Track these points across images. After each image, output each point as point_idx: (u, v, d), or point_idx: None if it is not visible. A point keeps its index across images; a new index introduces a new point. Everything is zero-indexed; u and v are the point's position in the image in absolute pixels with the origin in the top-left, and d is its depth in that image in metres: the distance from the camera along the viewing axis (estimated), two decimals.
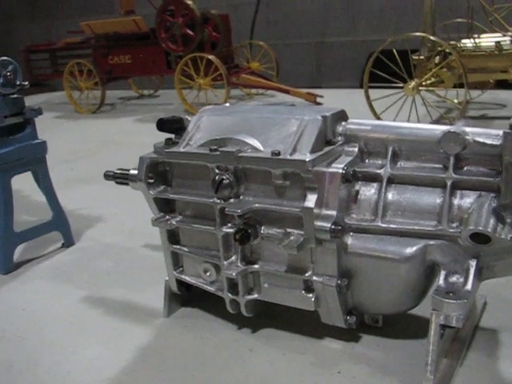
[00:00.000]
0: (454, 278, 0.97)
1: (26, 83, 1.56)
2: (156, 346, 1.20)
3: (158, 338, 1.23)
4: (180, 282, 1.26)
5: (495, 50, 2.76)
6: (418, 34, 2.71)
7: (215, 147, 1.06)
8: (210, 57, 3.65)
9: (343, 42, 5.78)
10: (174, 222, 1.17)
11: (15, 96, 1.56)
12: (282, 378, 1.05)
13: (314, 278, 1.03)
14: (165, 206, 1.20)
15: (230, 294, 1.14)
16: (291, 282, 1.07)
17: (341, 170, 0.98)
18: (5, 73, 1.51)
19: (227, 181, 1.04)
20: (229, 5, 6.10)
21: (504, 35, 2.82)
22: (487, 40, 2.89)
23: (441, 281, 0.97)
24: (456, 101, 3.11)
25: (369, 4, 5.42)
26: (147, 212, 1.79)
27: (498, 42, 2.75)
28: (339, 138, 1.06)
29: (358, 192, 1.03)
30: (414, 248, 0.98)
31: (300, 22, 5.83)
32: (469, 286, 0.95)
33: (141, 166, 1.17)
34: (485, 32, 3.05)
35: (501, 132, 0.94)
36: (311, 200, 0.97)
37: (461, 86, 2.77)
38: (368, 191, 1.03)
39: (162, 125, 1.17)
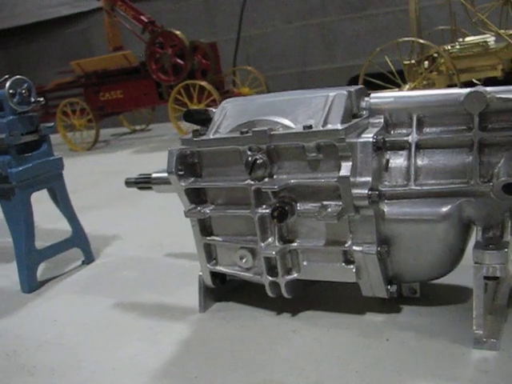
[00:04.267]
0: (490, 233, 1.00)
1: (42, 99, 1.59)
2: (197, 337, 1.20)
3: (198, 331, 1.23)
4: (214, 275, 1.27)
5: (482, 50, 2.85)
6: (407, 38, 2.79)
7: (246, 130, 1.08)
8: (203, 83, 3.71)
9: (323, 70, 5.89)
10: (208, 211, 1.19)
11: (30, 114, 1.59)
12: (331, 350, 1.06)
13: (354, 247, 1.05)
14: (195, 198, 1.22)
15: (269, 277, 1.15)
16: (330, 256, 1.09)
17: (371, 139, 1.01)
18: (20, 91, 1.54)
19: (261, 160, 1.07)
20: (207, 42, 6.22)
21: (490, 35, 2.91)
22: (473, 41, 2.98)
23: (478, 236, 1.00)
24: None
25: (344, 31, 5.55)
26: (162, 227, 1.82)
27: (484, 42, 2.84)
28: (364, 112, 1.09)
29: (388, 161, 1.06)
30: (449, 206, 1.00)
31: (279, 54, 5.95)
32: (507, 238, 0.98)
33: (170, 158, 1.19)
34: (468, 36, 3.15)
35: None
36: (346, 168, 1.00)
37: (451, 86, 2.83)
38: (398, 159, 1.06)
39: (190, 116, 1.20)
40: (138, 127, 5.08)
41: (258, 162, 1.06)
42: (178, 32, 3.85)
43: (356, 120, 1.05)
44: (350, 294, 1.17)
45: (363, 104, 1.10)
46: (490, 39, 2.91)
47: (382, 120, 1.08)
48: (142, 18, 4.07)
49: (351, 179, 1.00)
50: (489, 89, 1.02)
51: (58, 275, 1.71)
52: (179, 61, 3.85)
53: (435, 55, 2.95)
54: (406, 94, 1.11)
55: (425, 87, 2.87)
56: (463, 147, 1.03)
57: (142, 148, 4.01)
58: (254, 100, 1.17)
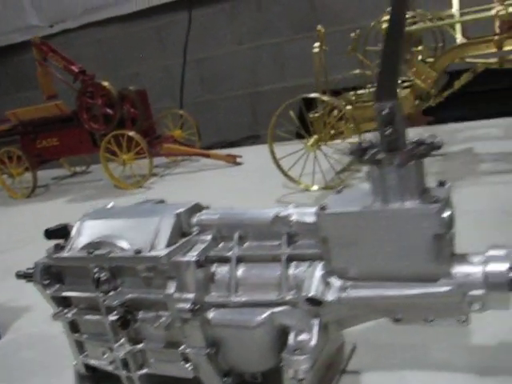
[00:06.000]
0: (302, 336, 1.16)
1: None
2: None
3: None
4: (87, 365, 1.42)
5: None
6: (312, 95, 2.98)
7: (92, 250, 1.25)
8: (130, 133, 3.87)
9: (275, 89, 6.09)
10: (70, 315, 1.35)
11: None
12: None
13: (187, 350, 1.22)
14: (63, 302, 1.38)
15: (124, 372, 1.31)
16: (171, 355, 1.26)
17: (194, 258, 1.18)
18: None
19: (105, 277, 1.23)
20: (160, 65, 6.39)
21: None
22: (372, 91, 3.19)
23: (290, 340, 1.16)
24: None
25: (294, 50, 5.75)
26: None
27: None
28: (194, 229, 1.26)
29: (214, 273, 1.23)
30: (263, 316, 1.16)
31: (232, 75, 6.14)
32: (313, 342, 1.14)
33: (36, 270, 1.35)
34: None
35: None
36: (171, 287, 1.17)
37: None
38: (223, 271, 1.23)
39: (49, 235, 1.36)
40: (78, 169, 5.20)
41: (101, 278, 1.22)
42: (106, 83, 4.00)
43: (183, 240, 1.22)
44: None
45: (194, 220, 1.27)
46: None
47: (210, 236, 1.25)
48: (73, 67, 4.20)
49: (176, 295, 1.17)
50: (292, 210, 1.20)
51: None
52: (109, 110, 4.00)
53: (343, 103, 3.15)
54: (230, 211, 1.27)
55: (331, 138, 3.07)
56: (275, 261, 1.20)
57: (77, 196, 4.13)
58: (107, 218, 1.33)
